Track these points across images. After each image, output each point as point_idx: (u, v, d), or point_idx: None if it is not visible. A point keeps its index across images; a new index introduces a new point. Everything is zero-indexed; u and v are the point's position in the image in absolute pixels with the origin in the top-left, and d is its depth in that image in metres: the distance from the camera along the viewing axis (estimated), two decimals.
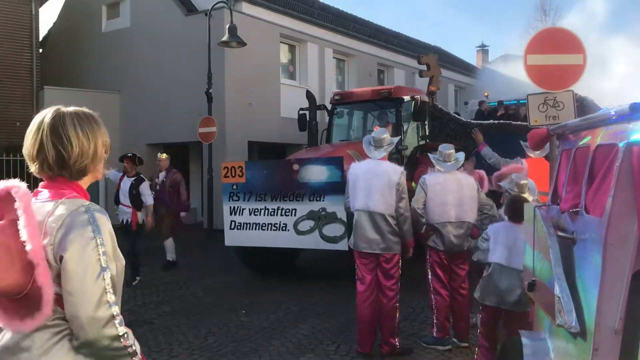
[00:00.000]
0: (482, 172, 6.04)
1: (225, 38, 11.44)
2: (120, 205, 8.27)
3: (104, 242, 1.64)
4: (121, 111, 15.72)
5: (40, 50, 15.78)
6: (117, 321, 1.64)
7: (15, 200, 1.62)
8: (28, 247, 1.56)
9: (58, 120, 1.72)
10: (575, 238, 2.64)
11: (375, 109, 9.98)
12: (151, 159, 11.71)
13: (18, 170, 12.45)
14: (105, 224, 1.67)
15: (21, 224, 1.58)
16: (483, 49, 38.11)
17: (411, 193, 5.43)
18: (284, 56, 16.46)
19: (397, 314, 5.20)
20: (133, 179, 8.26)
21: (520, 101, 16.27)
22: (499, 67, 27.28)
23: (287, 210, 7.49)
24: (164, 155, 9.48)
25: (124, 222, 8.18)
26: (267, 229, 7.64)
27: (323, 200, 7.23)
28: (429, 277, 5.47)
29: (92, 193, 2.34)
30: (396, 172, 5.15)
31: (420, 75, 14.44)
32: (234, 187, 7.89)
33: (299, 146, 12.47)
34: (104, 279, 1.61)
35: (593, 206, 2.47)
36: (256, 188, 7.75)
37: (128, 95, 15.75)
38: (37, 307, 1.57)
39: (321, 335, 5.81)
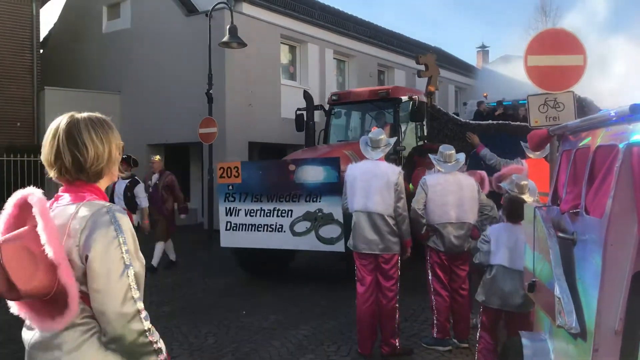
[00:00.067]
0: (483, 173, 6.03)
1: (225, 39, 11.43)
2: None
3: (126, 241, 1.71)
4: (122, 112, 15.72)
5: (41, 51, 15.79)
6: (142, 315, 1.72)
7: (32, 207, 1.69)
8: (48, 249, 1.62)
9: (73, 126, 1.79)
10: (576, 239, 2.64)
11: (373, 109, 9.93)
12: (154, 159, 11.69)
13: (18, 170, 12.47)
14: (126, 223, 1.74)
15: (39, 227, 1.64)
16: (483, 50, 38.12)
17: (408, 194, 5.42)
18: (285, 57, 16.47)
19: (397, 315, 5.20)
20: (128, 181, 8.21)
21: (520, 101, 16.29)
22: (499, 67, 27.27)
23: (283, 211, 7.45)
24: (157, 157, 9.40)
25: None
26: (263, 230, 7.59)
27: (319, 201, 7.18)
28: (429, 277, 5.47)
29: None
30: (394, 173, 5.16)
31: (419, 75, 14.41)
32: (230, 187, 7.82)
33: (299, 147, 12.46)
34: (128, 276, 1.69)
35: (593, 207, 2.48)
36: (252, 189, 7.69)
37: (128, 95, 15.76)
38: (65, 305, 1.65)
39: (321, 336, 5.81)
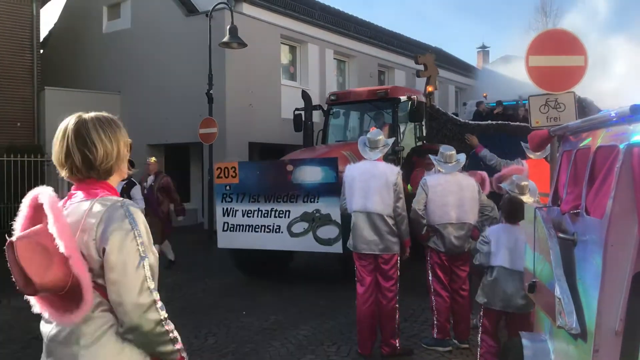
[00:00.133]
0: (484, 174, 6.03)
1: (225, 39, 11.44)
2: None
3: (141, 234, 1.76)
4: (122, 112, 15.70)
5: (41, 51, 15.78)
6: (158, 306, 1.76)
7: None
8: (59, 242, 1.67)
9: (81, 126, 1.83)
10: (576, 239, 2.64)
11: (371, 109, 9.87)
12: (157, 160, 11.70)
13: (19, 170, 12.47)
14: (139, 217, 1.79)
15: (49, 222, 1.70)
16: (484, 50, 38.14)
17: (407, 195, 5.42)
18: (285, 57, 16.47)
19: (397, 315, 5.20)
20: (124, 182, 8.13)
21: (521, 102, 16.30)
22: (499, 68, 27.28)
23: (281, 212, 7.41)
24: (153, 159, 9.35)
25: None
26: (261, 231, 7.55)
27: (317, 202, 7.14)
28: (430, 278, 5.47)
29: None
30: (393, 173, 5.16)
31: (418, 75, 14.41)
32: (227, 188, 7.78)
33: (299, 147, 12.46)
34: (144, 267, 1.74)
35: (594, 207, 2.48)
36: (250, 189, 7.65)
37: (129, 96, 15.76)
38: (80, 297, 1.69)
39: (321, 336, 5.81)
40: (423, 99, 10.56)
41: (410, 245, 5.33)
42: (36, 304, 1.80)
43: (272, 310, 6.82)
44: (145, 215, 7.41)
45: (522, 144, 6.18)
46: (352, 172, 5.31)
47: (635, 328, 2.23)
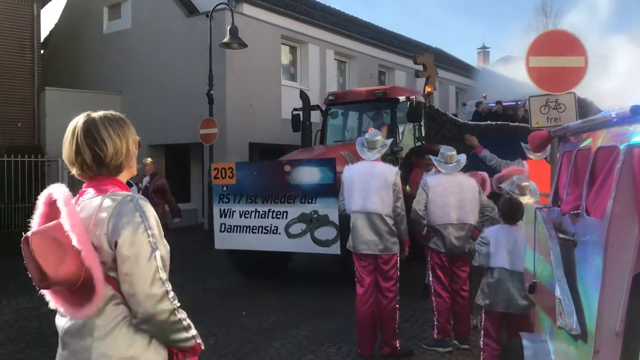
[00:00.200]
0: (485, 174, 6.03)
1: (226, 39, 11.44)
2: None
3: (151, 226, 1.80)
4: (122, 112, 15.51)
5: (42, 52, 15.79)
6: (170, 296, 1.82)
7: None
8: (71, 235, 1.72)
9: (90, 124, 1.88)
10: (576, 240, 2.64)
11: (370, 109, 9.80)
12: (152, 160, 11.72)
13: (19, 171, 12.46)
14: (149, 210, 1.84)
15: (62, 215, 1.76)
16: (484, 51, 38.15)
17: (405, 196, 5.41)
18: (285, 57, 16.47)
19: (397, 316, 5.20)
20: None
21: (520, 103, 16.32)
22: (499, 68, 27.28)
23: (278, 213, 7.35)
24: (149, 160, 9.31)
25: None
26: (258, 232, 7.49)
27: (315, 203, 7.08)
28: (430, 279, 5.47)
29: None
30: (392, 173, 5.17)
31: (416, 76, 14.39)
32: (224, 188, 7.72)
33: (299, 148, 12.48)
34: (155, 259, 1.79)
35: (594, 208, 2.48)
36: (247, 190, 7.58)
37: (129, 96, 15.76)
38: (92, 290, 1.74)
39: (322, 337, 5.81)
40: (422, 99, 10.51)
41: (409, 244, 5.33)
42: (51, 300, 1.85)
43: (272, 310, 6.82)
44: None
45: (522, 144, 6.18)
46: (351, 172, 5.31)
47: (635, 329, 2.23)
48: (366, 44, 19.46)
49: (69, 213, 1.76)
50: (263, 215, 7.47)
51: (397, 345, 5.15)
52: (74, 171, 1.90)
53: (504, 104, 16.51)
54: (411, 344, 5.49)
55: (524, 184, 4.68)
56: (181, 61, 14.32)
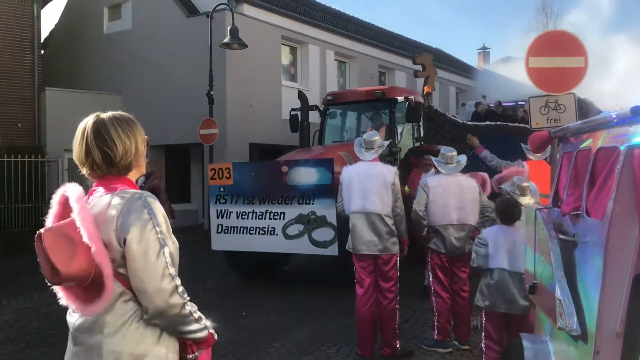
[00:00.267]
0: (485, 175, 6.03)
1: (226, 40, 11.44)
2: None
3: (159, 223, 1.84)
4: None
5: (42, 52, 15.79)
6: (179, 290, 1.85)
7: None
8: (82, 232, 1.76)
9: (100, 125, 1.92)
10: (577, 241, 2.64)
11: (368, 109, 9.74)
12: (152, 160, 11.73)
13: (19, 171, 12.46)
14: (158, 207, 1.87)
15: (74, 212, 1.80)
16: (484, 51, 38.11)
17: (404, 196, 5.41)
18: (285, 58, 16.48)
19: (397, 316, 5.19)
20: None
21: (518, 103, 16.32)
22: (499, 69, 27.28)
23: (276, 214, 7.30)
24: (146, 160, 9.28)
25: None
26: (255, 233, 7.44)
27: (312, 204, 7.03)
28: (430, 279, 5.47)
29: None
30: (390, 173, 5.17)
31: (416, 76, 14.37)
32: (221, 189, 7.67)
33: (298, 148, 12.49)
34: (164, 255, 1.82)
35: (594, 209, 2.48)
36: (244, 190, 7.52)
37: (129, 96, 15.75)
38: (101, 286, 1.78)
39: (322, 337, 5.81)
40: (421, 100, 10.45)
41: (408, 244, 5.34)
42: (62, 297, 1.88)
43: (272, 311, 6.81)
44: None
45: (522, 145, 6.18)
46: (349, 173, 5.31)
47: (635, 330, 2.23)
48: (366, 44, 19.46)
49: (81, 210, 1.80)
50: (260, 216, 7.41)
51: (397, 345, 5.15)
52: (84, 171, 1.94)
53: (503, 104, 16.51)
54: (411, 344, 5.49)
55: (524, 184, 4.67)
56: (181, 62, 14.32)
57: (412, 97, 9.58)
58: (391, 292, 5.14)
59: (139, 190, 1.91)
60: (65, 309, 1.97)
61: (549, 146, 5.02)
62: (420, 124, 10.02)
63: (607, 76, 20.91)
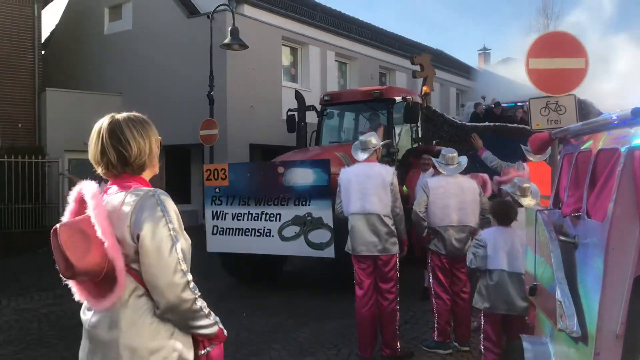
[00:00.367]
0: (485, 176, 6.02)
1: (227, 40, 11.45)
2: None
3: (172, 220, 1.88)
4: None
5: (43, 52, 15.82)
6: (191, 286, 1.89)
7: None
8: (97, 227, 1.82)
9: (115, 126, 1.97)
10: (577, 242, 2.64)
11: (366, 110, 9.64)
12: None
13: (19, 171, 12.47)
14: (170, 204, 1.92)
15: (89, 208, 1.86)
16: (485, 52, 38.11)
17: (402, 197, 5.40)
18: (286, 59, 16.49)
19: (397, 317, 5.19)
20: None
21: (518, 104, 16.31)
22: (499, 70, 27.29)
23: (272, 215, 7.21)
24: None
25: None
26: (251, 235, 7.36)
27: (309, 205, 6.94)
28: (430, 280, 5.46)
29: None
30: (388, 173, 5.17)
31: (414, 76, 14.34)
32: (217, 190, 7.58)
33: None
34: (176, 251, 1.86)
35: (595, 210, 2.47)
36: (240, 192, 7.44)
37: (130, 97, 15.76)
38: (113, 281, 1.83)
39: (322, 339, 5.80)
40: (419, 100, 10.35)
41: (407, 244, 5.35)
42: (76, 292, 1.94)
43: (272, 312, 6.81)
44: None
45: (522, 146, 6.18)
46: (348, 174, 5.30)
47: (636, 331, 2.22)
48: (367, 45, 19.48)
49: (96, 206, 1.85)
50: (256, 218, 7.34)
51: (398, 346, 5.14)
52: (99, 170, 1.99)
53: (502, 105, 16.50)
54: (411, 345, 5.49)
55: (525, 185, 4.67)
56: (182, 62, 14.34)
57: (410, 97, 9.49)
58: (391, 293, 5.13)
59: (152, 188, 1.96)
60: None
61: (549, 147, 5.02)
62: (418, 124, 9.93)
63: (607, 77, 20.92)
